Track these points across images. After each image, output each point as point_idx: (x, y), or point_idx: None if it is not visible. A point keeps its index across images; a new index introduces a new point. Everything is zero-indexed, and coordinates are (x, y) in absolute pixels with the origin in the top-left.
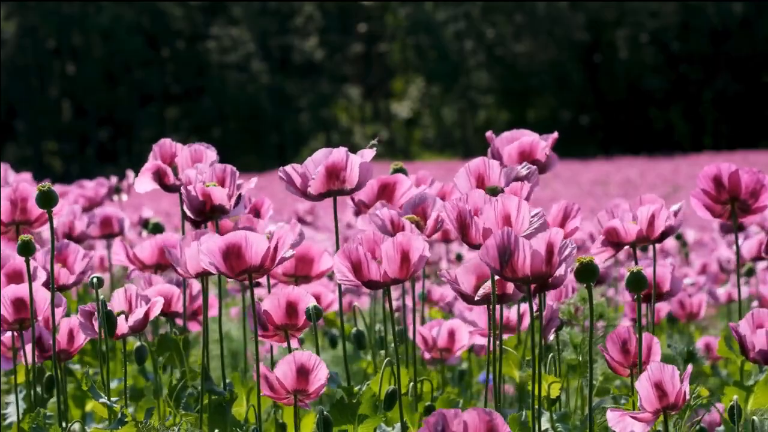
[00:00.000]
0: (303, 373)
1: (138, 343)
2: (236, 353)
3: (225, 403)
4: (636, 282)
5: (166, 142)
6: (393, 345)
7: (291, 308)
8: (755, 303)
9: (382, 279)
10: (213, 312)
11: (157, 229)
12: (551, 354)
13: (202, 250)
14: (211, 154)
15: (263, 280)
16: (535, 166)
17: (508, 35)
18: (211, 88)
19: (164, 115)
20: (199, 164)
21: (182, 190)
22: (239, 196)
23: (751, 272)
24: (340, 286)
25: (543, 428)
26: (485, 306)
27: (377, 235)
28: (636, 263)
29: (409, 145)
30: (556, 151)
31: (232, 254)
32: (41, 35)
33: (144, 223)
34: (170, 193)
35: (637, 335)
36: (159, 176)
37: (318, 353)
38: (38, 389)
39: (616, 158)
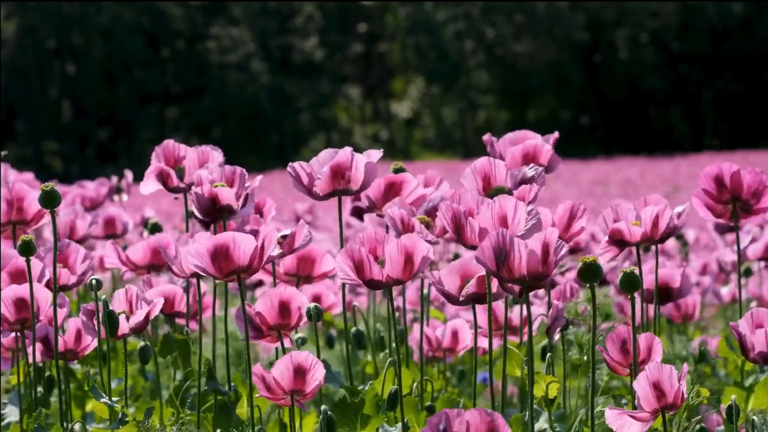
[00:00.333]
0: (300, 373)
1: (142, 343)
2: (240, 353)
3: (230, 404)
4: (629, 282)
5: (170, 144)
6: (394, 345)
7: (284, 308)
8: (754, 303)
9: (385, 279)
10: (216, 312)
11: (156, 229)
12: (549, 354)
13: (189, 252)
14: (217, 155)
15: (266, 279)
16: (542, 168)
17: (508, 35)
18: (211, 88)
19: (164, 115)
20: (208, 165)
21: (192, 190)
22: (247, 197)
23: (748, 272)
24: (344, 286)
25: (541, 428)
26: (484, 306)
27: (379, 234)
28: (639, 264)
29: (409, 145)
30: (556, 151)
31: (221, 255)
32: (41, 35)
33: (145, 224)
34: (172, 194)
35: (635, 335)
36: (163, 178)
37: (318, 354)
38: (39, 389)
39: (616, 158)
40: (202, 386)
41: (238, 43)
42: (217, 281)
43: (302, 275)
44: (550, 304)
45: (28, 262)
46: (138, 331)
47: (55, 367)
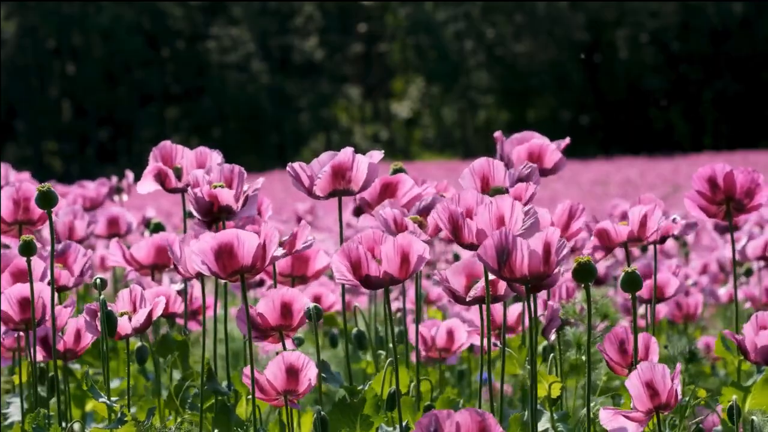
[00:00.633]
0: (292, 373)
1: (139, 344)
2: (238, 353)
3: (230, 404)
4: (631, 282)
5: (167, 145)
6: (392, 345)
7: (285, 309)
8: (748, 304)
9: (381, 279)
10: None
11: (159, 229)
12: (551, 354)
13: (193, 251)
14: (216, 156)
15: (266, 279)
16: (535, 165)
17: (508, 35)
18: (211, 88)
19: (164, 115)
20: (207, 165)
21: (189, 191)
22: (248, 197)
23: (749, 272)
24: (343, 286)
25: (543, 428)
26: (482, 306)
27: (377, 234)
28: (629, 264)
29: (409, 145)
30: (561, 153)
31: (225, 253)
32: (41, 35)
33: (147, 223)
34: (172, 194)
35: (636, 335)
36: (161, 178)
37: (318, 354)
38: (39, 389)
39: (616, 158)
40: (202, 386)
41: (238, 43)
42: (221, 281)
43: (297, 275)
44: (538, 305)
45: (29, 262)
46: (140, 331)
47: (55, 367)
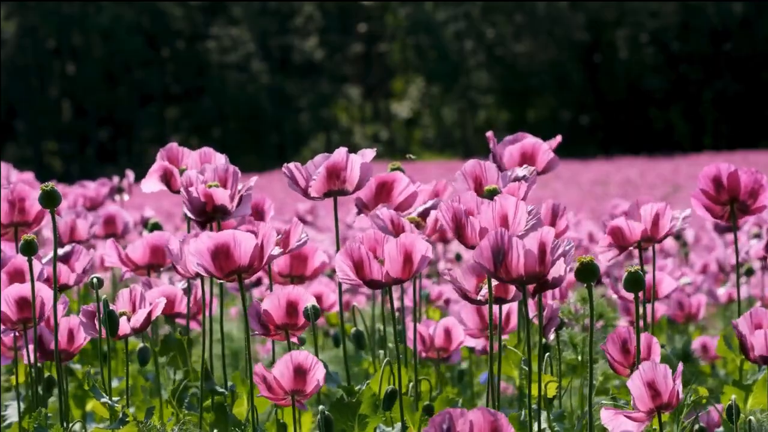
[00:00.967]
0: (300, 373)
1: (141, 344)
2: (237, 353)
3: (227, 404)
4: (634, 282)
5: (173, 147)
6: (393, 344)
7: (291, 308)
8: (759, 304)
9: (384, 279)
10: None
11: (156, 228)
12: (547, 354)
13: (190, 251)
14: (220, 158)
15: (265, 279)
16: (534, 168)
17: (508, 35)
18: (211, 88)
19: (164, 115)
20: (204, 166)
21: (183, 190)
22: (242, 197)
23: (750, 272)
24: (340, 285)
25: (540, 428)
26: (475, 306)
27: (378, 235)
28: (642, 263)
29: (409, 145)
30: (556, 152)
31: (221, 254)
32: (41, 35)
33: (145, 223)
34: (174, 194)
35: (639, 335)
36: (166, 179)
37: (317, 353)
38: (39, 389)
39: (616, 158)
40: (202, 387)
41: (238, 43)
42: (218, 281)
43: (296, 275)
44: (541, 305)
45: (30, 261)
46: (139, 331)
47: (54, 366)
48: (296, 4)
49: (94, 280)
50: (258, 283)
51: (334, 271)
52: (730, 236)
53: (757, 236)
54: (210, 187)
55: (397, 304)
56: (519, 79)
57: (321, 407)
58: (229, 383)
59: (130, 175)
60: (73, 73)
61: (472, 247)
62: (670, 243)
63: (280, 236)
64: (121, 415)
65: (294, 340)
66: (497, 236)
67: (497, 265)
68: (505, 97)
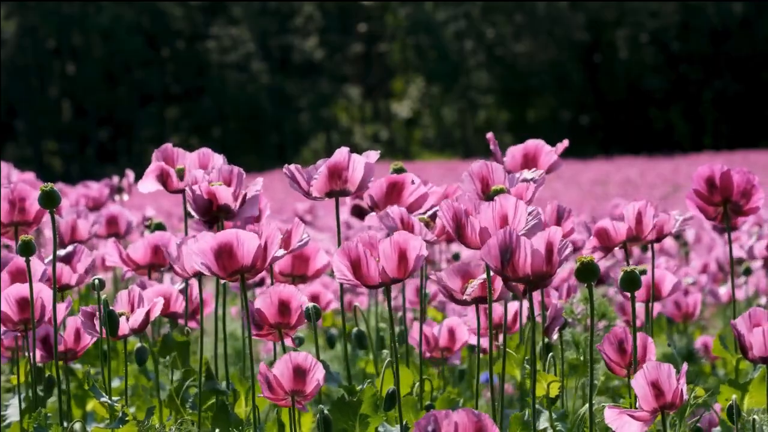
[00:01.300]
0: (300, 373)
1: (139, 344)
2: (241, 352)
3: (228, 403)
4: (630, 281)
5: (168, 147)
6: (393, 345)
7: (283, 306)
8: (763, 300)
9: (381, 278)
10: (211, 311)
11: (159, 228)
12: (551, 353)
13: (193, 251)
14: (218, 157)
15: (268, 279)
16: (542, 171)
17: (508, 35)
18: (211, 88)
19: (164, 115)
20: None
21: (187, 189)
22: (245, 198)
23: (748, 271)
24: (342, 285)
25: (542, 427)
26: (479, 305)
27: (373, 237)
28: (628, 263)
29: (409, 145)
30: (557, 154)
31: (224, 253)
32: (41, 35)
33: (147, 223)
34: (172, 194)
35: (635, 335)
36: (163, 179)
37: (318, 353)
38: (39, 389)
39: (616, 158)
40: (201, 386)
41: (238, 43)
42: (221, 281)
43: (297, 274)
44: (544, 304)
45: (27, 262)
46: (138, 331)
47: (55, 367)
48: (296, 4)
49: (96, 281)
50: (261, 283)
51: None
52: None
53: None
54: (213, 186)
55: (397, 304)
56: (519, 79)
57: (320, 407)
58: (230, 383)
59: (130, 175)
60: (73, 73)
61: (473, 247)
62: (670, 243)
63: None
64: (120, 415)
65: (288, 341)
66: (505, 235)
67: (504, 264)
68: (505, 97)
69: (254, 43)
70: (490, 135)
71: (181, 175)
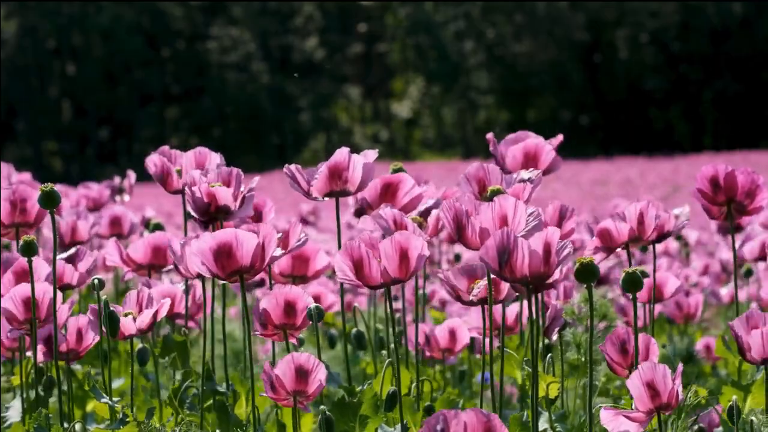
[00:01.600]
0: (302, 374)
1: (140, 345)
2: (239, 353)
3: (228, 404)
4: (631, 282)
5: (165, 149)
6: (393, 345)
7: (289, 307)
8: (754, 305)
9: (383, 279)
10: (215, 312)
11: (158, 229)
12: (549, 354)
13: (192, 251)
14: (215, 157)
15: (267, 279)
16: (539, 171)
17: (508, 35)
18: (211, 88)
19: (164, 115)
20: (206, 166)
21: (187, 190)
22: (245, 198)
23: (749, 273)
24: (342, 285)
25: (542, 428)
26: (479, 306)
27: (374, 238)
28: (630, 263)
29: (409, 145)
30: (556, 151)
31: (224, 254)
32: (41, 35)
33: (146, 224)
34: (171, 195)
35: (637, 335)
36: (163, 179)
37: (319, 354)
38: (39, 389)
39: (616, 158)
40: (203, 386)
41: (238, 43)
42: (220, 281)
43: (297, 275)
44: (544, 304)
45: (30, 262)
46: (144, 332)
47: (55, 367)
48: (296, 4)
49: (95, 281)
50: (261, 283)
51: (334, 272)
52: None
53: None
54: (213, 186)
55: (397, 305)
56: (519, 79)
57: (322, 407)
58: (230, 383)
59: (132, 175)
60: (73, 73)
61: (473, 248)
62: (671, 244)
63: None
64: (121, 416)
65: (293, 340)
66: (503, 236)
67: (502, 265)
68: (505, 97)
69: (254, 43)
70: (489, 135)
71: (180, 175)
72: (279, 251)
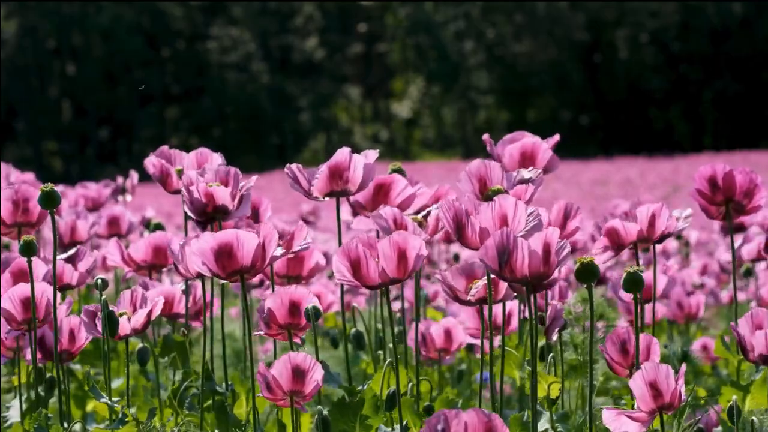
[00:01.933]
0: (299, 374)
1: (140, 345)
2: (239, 353)
3: (227, 404)
4: (633, 282)
5: (164, 150)
6: (392, 345)
7: (294, 307)
8: (753, 304)
9: (381, 279)
10: (215, 312)
11: (158, 229)
12: (551, 354)
13: (193, 251)
14: (216, 157)
15: (267, 280)
16: (540, 171)
17: (508, 35)
18: (211, 88)
19: (164, 115)
20: (205, 166)
21: (184, 190)
22: (242, 198)
23: (749, 273)
24: (342, 286)
25: (543, 429)
26: (483, 306)
27: (372, 238)
28: (638, 263)
29: (409, 145)
30: (556, 152)
31: (224, 254)
32: (41, 35)
33: (146, 224)
34: (171, 195)
35: (638, 335)
36: (163, 179)
37: (317, 353)
38: (39, 390)
39: (616, 158)
40: (203, 387)
41: (238, 43)
42: (221, 282)
43: (293, 275)
44: (537, 305)
45: (29, 262)
46: (139, 331)
47: (55, 367)
48: (296, 4)
49: (99, 281)
50: (261, 284)
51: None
52: (737, 237)
53: None
54: (211, 186)
55: (397, 305)
56: (519, 79)
57: (319, 407)
58: (229, 383)
59: (134, 175)
60: (73, 73)
61: (472, 248)
62: (671, 243)
63: (284, 238)
64: (120, 416)
65: (297, 340)
66: (503, 236)
67: (502, 265)
68: (505, 97)
69: (254, 43)
70: (486, 137)
71: (180, 176)
72: (279, 251)
